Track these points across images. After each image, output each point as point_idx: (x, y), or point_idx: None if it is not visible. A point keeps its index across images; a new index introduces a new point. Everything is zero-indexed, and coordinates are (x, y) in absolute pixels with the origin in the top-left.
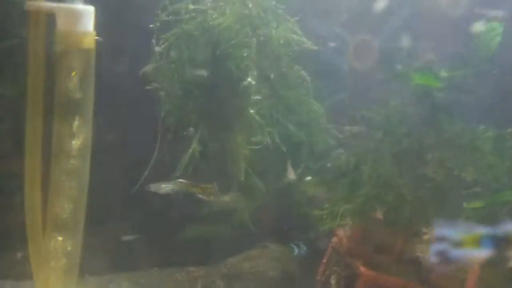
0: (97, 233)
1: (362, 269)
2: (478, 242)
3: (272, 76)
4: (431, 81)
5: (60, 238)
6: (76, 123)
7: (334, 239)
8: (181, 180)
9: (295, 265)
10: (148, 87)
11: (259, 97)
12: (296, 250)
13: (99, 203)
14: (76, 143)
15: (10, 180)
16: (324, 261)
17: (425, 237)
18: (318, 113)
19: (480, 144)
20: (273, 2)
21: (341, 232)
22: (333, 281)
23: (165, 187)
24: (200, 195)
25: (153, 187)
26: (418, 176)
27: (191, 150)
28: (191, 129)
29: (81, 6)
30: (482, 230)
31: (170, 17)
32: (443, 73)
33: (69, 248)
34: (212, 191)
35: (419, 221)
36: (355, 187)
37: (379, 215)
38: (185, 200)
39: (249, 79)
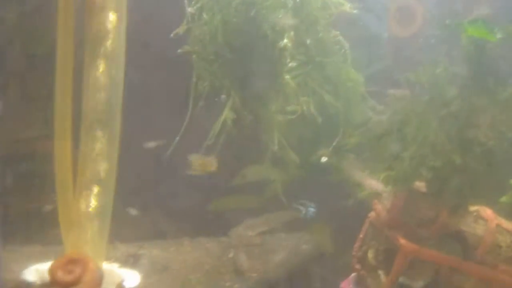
0: (128, 202)
1: (403, 241)
2: None
3: (308, 42)
4: (486, 34)
5: (90, 201)
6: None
7: (372, 213)
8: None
9: (330, 239)
10: (179, 50)
11: (294, 64)
12: (303, 211)
13: (129, 171)
14: (102, 96)
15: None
16: (360, 236)
17: (472, 209)
18: (357, 82)
19: None
20: None
21: (379, 206)
22: (370, 255)
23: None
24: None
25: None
26: (467, 141)
27: (223, 118)
28: (223, 95)
29: None
30: None
31: None
32: (498, 34)
33: (99, 211)
34: (211, 164)
35: (467, 191)
36: (398, 148)
37: (421, 187)
38: (216, 171)
39: (285, 41)
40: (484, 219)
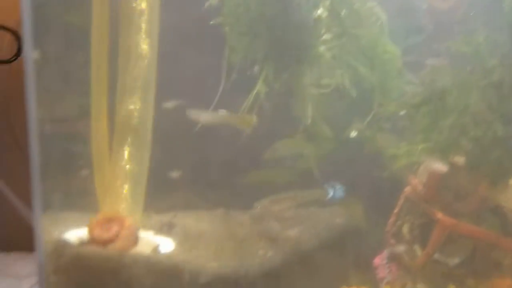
0: (162, 173)
1: (440, 215)
2: None
3: (343, 13)
4: None
5: (126, 164)
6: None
7: (407, 188)
8: (222, 110)
9: (363, 215)
10: (212, 22)
11: (328, 36)
12: (331, 192)
13: (163, 142)
14: (140, 63)
15: None
16: (395, 211)
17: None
18: (394, 55)
19: None
20: None
21: (415, 180)
22: (405, 229)
23: (205, 116)
24: (237, 126)
25: (193, 114)
26: (509, 111)
27: (255, 91)
28: (257, 68)
29: None
30: None
31: None
32: None
33: (134, 176)
34: (250, 121)
35: (508, 163)
36: (438, 118)
37: (459, 160)
38: (251, 144)
39: (320, 11)
40: None
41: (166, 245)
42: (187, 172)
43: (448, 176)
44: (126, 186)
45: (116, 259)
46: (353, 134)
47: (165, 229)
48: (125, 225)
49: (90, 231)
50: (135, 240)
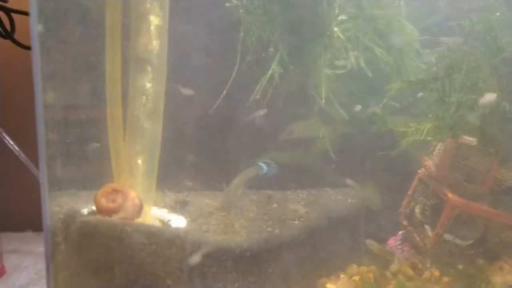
0: (176, 154)
1: (451, 195)
2: None
3: None
4: None
5: (139, 141)
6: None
7: (421, 170)
8: None
9: (377, 196)
10: (227, 4)
11: (344, 17)
12: (265, 168)
13: (177, 124)
14: (153, 41)
15: None
16: (409, 192)
17: None
18: (411, 36)
19: None
20: None
21: (429, 162)
22: (418, 210)
23: None
24: None
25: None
26: None
27: (270, 72)
28: (271, 49)
29: None
30: None
31: None
32: None
33: (148, 152)
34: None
35: None
36: (445, 93)
37: (472, 141)
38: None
39: None
40: None
41: (178, 221)
42: (202, 152)
43: (460, 156)
44: (140, 164)
45: (119, 227)
46: (358, 108)
47: (179, 206)
48: (129, 197)
49: (96, 202)
50: (138, 211)
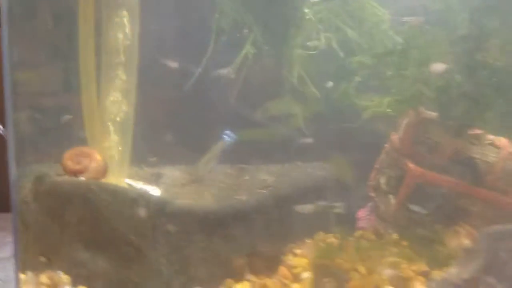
0: (151, 130)
1: (411, 165)
2: None
3: None
4: None
5: (113, 102)
6: None
7: (388, 144)
8: None
9: (348, 170)
10: None
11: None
12: (228, 139)
13: (151, 102)
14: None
15: None
16: (376, 166)
17: (483, 138)
18: (382, 19)
19: None
20: None
21: (395, 136)
22: (383, 181)
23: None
24: None
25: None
26: (475, 63)
27: (244, 52)
28: (246, 30)
29: None
30: None
31: None
32: None
33: (122, 111)
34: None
35: (474, 114)
36: (402, 67)
37: (433, 115)
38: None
39: None
40: (497, 148)
41: (153, 191)
42: (178, 128)
43: (422, 129)
44: (114, 136)
45: (84, 186)
46: (329, 85)
47: (153, 179)
48: (94, 158)
49: (63, 164)
50: (103, 172)
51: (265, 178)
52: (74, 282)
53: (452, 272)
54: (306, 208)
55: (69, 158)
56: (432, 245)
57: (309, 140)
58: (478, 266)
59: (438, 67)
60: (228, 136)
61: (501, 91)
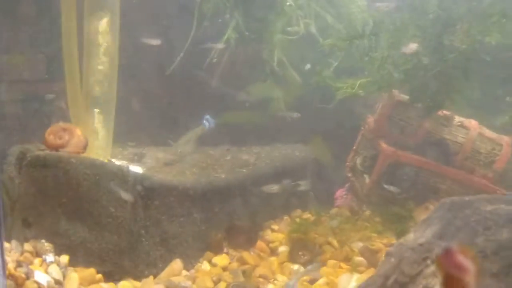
0: (136, 112)
1: (384, 145)
2: None
3: None
4: None
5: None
6: None
7: (365, 126)
8: None
9: (327, 152)
10: None
11: None
12: (207, 124)
13: (132, 82)
14: None
15: None
16: (354, 147)
17: (453, 119)
18: (360, 6)
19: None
20: None
21: (371, 118)
22: (358, 161)
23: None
24: None
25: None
26: (443, 46)
27: (225, 37)
28: (227, 16)
29: None
30: None
31: None
32: None
33: (105, 96)
34: None
35: (443, 95)
36: (370, 50)
37: (404, 97)
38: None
39: None
40: (466, 129)
41: (135, 169)
42: (163, 110)
43: (396, 112)
44: (96, 117)
45: (65, 159)
46: (307, 67)
47: (136, 158)
48: (75, 134)
49: (45, 139)
50: (83, 147)
51: (245, 158)
52: (57, 250)
53: (410, 237)
54: (272, 188)
55: (51, 134)
56: (402, 220)
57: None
58: (433, 232)
59: (411, 47)
60: (207, 121)
61: (467, 73)
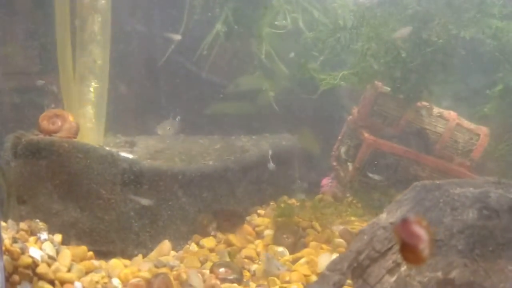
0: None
1: (366, 135)
2: None
3: None
4: None
5: (89, 83)
6: None
7: (350, 117)
8: None
9: (315, 142)
10: None
11: None
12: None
13: (124, 74)
14: None
15: None
16: (339, 137)
17: (432, 110)
18: (344, 0)
19: (487, 7)
20: None
21: (355, 109)
22: (343, 150)
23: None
24: None
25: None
26: (421, 40)
27: (215, 30)
28: (217, 9)
29: None
30: None
31: None
32: None
33: (97, 92)
34: None
35: (422, 87)
36: (351, 43)
37: (384, 88)
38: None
39: None
40: (446, 119)
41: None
42: (156, 100)
43: (378, 103)
44: (89, 106)
45: (58, 143)
46: (291, 55)
47: (127, 146)
48: (67, 119)
49: (39, 124)
50: (75, 132)
51: (240, 144)
52: (50, 229)
53: (382, 217)
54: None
55: (45, 119)
56: (382, 205)
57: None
58: (404, 212)
59: (403, 31)
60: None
61: (444, 66)
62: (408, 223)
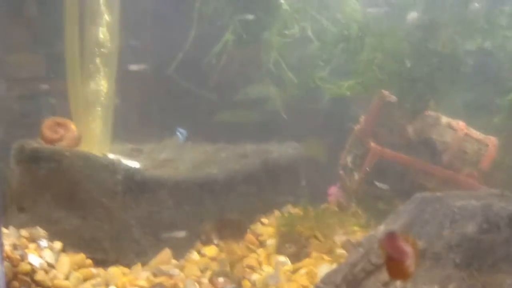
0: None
1: (372, 144)
2: None
3: None
4: None
5: (95, 84)
6: None
7: (356, 127)
8: None
9: (323, 151)
10: None
11: None
12: (181, 137)
13: (131, 80)
14: None
15: None
16: (346, 146)
17: (440, 120)
18: (354, 9)
19: (494, 17)
20: None
21: (362, 118)
22: (349, 159)
23: None
24: None
25: None
26: (427, 51)
27: (224, 39)
28: (226, 18)
29: None
30: None
31: None
32: None
33: (103, 93)
34: None
35: (428, 96)
36: (356, 52)
37: (392, 98)
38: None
39: None
40: (454, 129)
41: (132, 164)
42: (162, 108)
43: (384, 112)
44: (95, 114)
45: (60, 152)
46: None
47: (134, 154)
48: (69, 129)
49: (42, 133)
50: (77, 141)
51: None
52: (50, 237)
53: (380, 229)
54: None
55: (47, 128)
56: (386, 215)
57: None
58: (402, 224)
59: (413, 15)
60: (180, 134)
61: (451, 77)
62: (393, 238)
